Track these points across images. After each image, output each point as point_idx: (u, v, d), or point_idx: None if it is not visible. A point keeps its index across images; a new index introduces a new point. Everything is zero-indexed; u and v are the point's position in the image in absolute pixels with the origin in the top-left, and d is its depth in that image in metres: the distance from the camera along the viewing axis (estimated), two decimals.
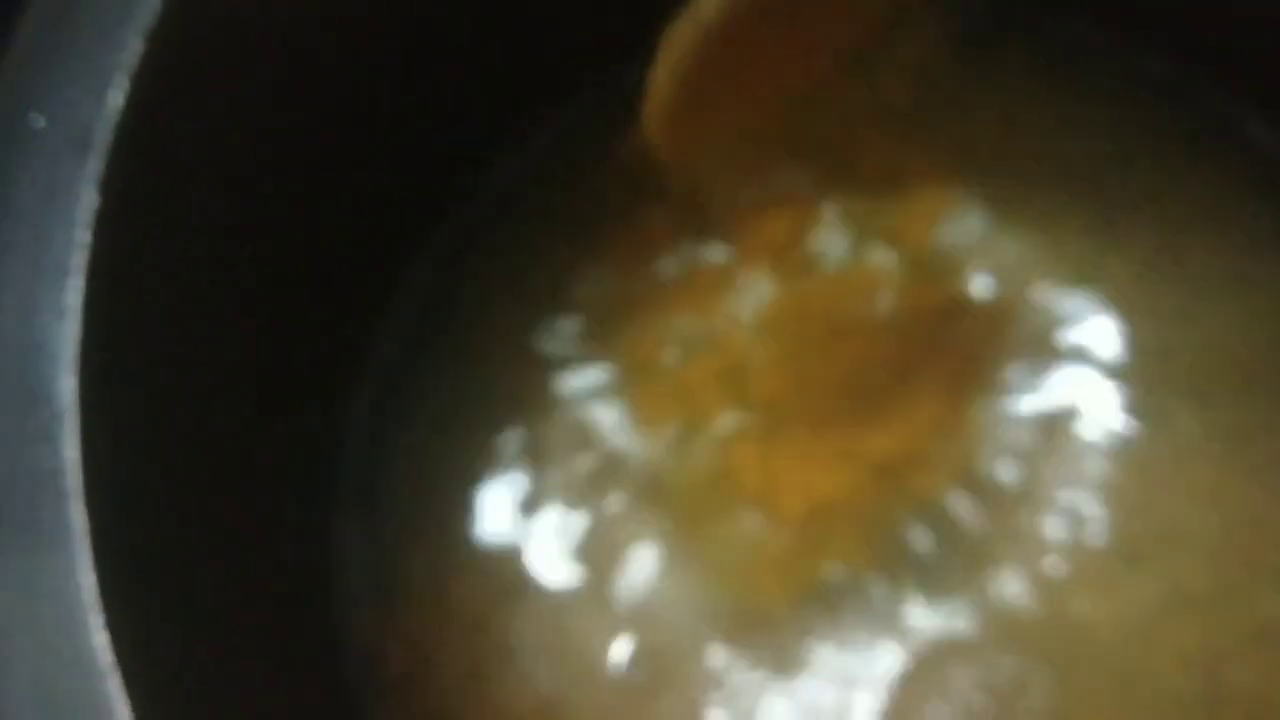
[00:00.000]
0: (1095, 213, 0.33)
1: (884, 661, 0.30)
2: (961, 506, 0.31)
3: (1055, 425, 0.31)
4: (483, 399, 0.33)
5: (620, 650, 0.31)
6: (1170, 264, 0.32)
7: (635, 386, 0.33)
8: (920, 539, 0.31)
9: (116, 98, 0.23)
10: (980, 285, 0.32)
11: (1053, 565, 0.31)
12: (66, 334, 0.22)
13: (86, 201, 0.22)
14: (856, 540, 0.31)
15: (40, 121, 0.23)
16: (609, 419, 0.32)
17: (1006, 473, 0.31)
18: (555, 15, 0.31)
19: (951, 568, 0.31)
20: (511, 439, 0.33)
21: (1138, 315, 0.32)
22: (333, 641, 0.31)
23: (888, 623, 0.30)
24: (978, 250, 0.33)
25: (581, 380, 0.33)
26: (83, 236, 0.22)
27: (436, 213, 0.33)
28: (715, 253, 0.33)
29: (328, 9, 0.26)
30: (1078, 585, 0.30)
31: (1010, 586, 0.30)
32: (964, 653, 0.30)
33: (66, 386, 0.22)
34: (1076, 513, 0.31)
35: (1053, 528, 0.31)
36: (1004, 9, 0.34)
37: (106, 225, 0.22)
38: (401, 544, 0.32)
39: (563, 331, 0.33)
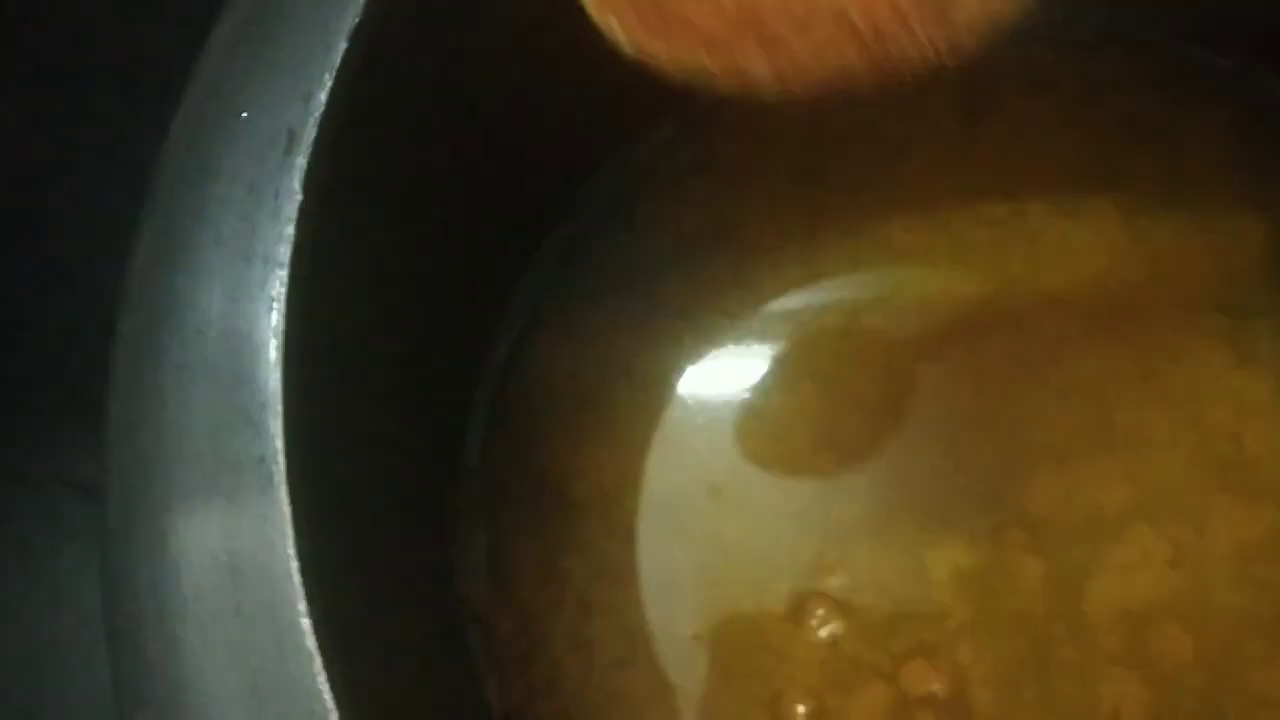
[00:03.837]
0: None
1: None
2: None
3: None
4: (592, 388, 0.34)
5: None
6: None
7: None
8: None
9: (321, 97, 0.23)
10: None
11: None
12: (271, 323, 0.23)
13: (292, 198, 0.23)
14: None
15: (243, 113, 0.24)
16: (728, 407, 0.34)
17: None
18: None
19: None
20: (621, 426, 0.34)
21: None
22: (452, 617, 0.32)
23: None
24: None
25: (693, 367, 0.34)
26: (288, 231, 0.23)
27: (556, 213, 0.34)
28: None
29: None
30: None
31: None
32: None
33: (272, 375, 0.23)
34: None
35: None
36: None
37: (309, 220, 0.23)
38: (516, 526, 0.33)
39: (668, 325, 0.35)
